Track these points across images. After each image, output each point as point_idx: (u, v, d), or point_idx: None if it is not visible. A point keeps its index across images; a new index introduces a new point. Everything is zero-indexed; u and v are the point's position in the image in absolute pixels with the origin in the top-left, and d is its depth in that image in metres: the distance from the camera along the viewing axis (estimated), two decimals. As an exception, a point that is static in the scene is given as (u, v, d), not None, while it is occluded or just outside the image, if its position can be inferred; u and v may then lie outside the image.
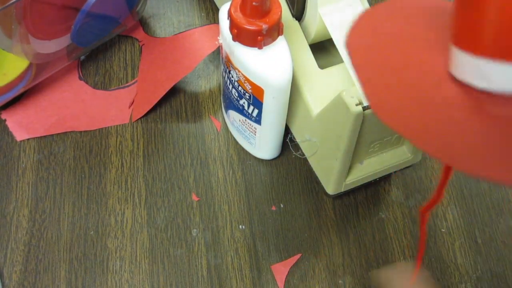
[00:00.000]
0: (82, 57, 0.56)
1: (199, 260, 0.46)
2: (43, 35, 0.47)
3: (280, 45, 0.41)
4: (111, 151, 0.51)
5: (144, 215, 0.48)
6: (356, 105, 0.39)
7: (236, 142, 0.51)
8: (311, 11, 0.45)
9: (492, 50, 0.24)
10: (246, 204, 0.49)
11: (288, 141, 0.51)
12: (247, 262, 0.46)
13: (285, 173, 0.50)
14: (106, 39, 0.55)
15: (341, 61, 0.46)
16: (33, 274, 0.45)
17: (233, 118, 0.49)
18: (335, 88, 0.45)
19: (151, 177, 0.49)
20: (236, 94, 0.45)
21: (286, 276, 0.46)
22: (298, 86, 0.46)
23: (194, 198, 0.49)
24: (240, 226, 0.48)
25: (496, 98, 0.26)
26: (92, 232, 0.47)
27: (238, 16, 0.39)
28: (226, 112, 0.50)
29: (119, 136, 0.51)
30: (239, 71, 0.43)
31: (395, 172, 0.49)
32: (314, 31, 0.46)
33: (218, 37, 0.44)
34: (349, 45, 0.30)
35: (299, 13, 0.47)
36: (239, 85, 0.44)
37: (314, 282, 0.46)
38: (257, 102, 0.44)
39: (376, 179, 0.49)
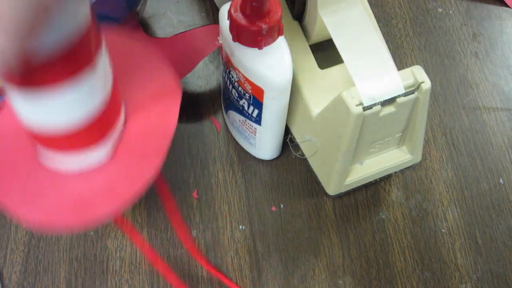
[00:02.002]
0: (82, 58, 0.56)
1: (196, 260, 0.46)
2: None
3: (280, 45, 0.41)
4: (111, 151, 0.51)
5: (144, 215, 0.48)
6: (357, 105, 0.39)
7: (236, 143, 0.51)
8: (311, 12, 0.45)
9: None
10: (246, 205, 0.49)
11: (288, 142, 0.51)
12: (247, 263, 0.46)
13: (285, 173, 0.50)
14: (106, 39, 0.55)
15: (341, 61, 0.46)
16: (33, 274, 0.45)
17: (233, 119, 0.49)
18: (335, 89, 0.45)
19: (151, 178, 0.49)
20: (236, 95, 0.45)
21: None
22: (298, 87, 0.46)
23: (195, 196, 0.49)
24: (240, 227, 0.48)
25: None
26: (92, 233, 0.47)
27: (238, 17, 0.39)
28: (226, 112, 0.50)
29: (119, 137, 0.51)
30: (239, 72, 0.43)
31: (395, 172, 0.49)
32: (314, 32, 0.46)
33: (218, 38, 0.44)
34: None
35: (299, 14, 0.47)
36: (239, 86, 0.44)
37: (314, 283, 0.46)
38: (257, 103, 0.44)
39: (376, 180, 0.49)
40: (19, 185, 0.35)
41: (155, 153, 0.34)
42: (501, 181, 0.51)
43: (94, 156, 0.34)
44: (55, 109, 0.31)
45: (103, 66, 0.32)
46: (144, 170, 0.34)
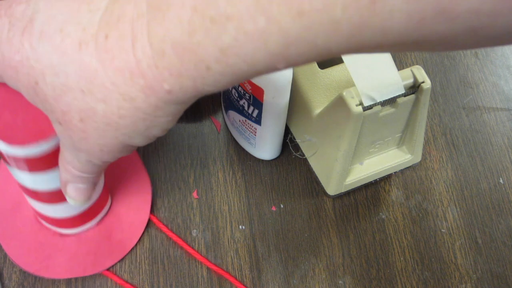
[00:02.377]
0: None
1: (199, 261, 0.46)
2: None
3: (280, 45, 0.41)
4: (111, 151, 0.51)
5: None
6: (357, 105, 0.39)
7: (236, 143, 0.51)
8: (311, 12, 0.45)
9: None
10: (246, 205, 0.49)
11: (288, 142, 0.51)
12: (247, 263, 0.46)
13: (285, 173, 0.50)
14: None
15: (341, 61, 0.46)
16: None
17: (233, 119, 0.49)
18: (336, 88, 0.45)
19: (151, 178, 0.49)
20: (236, 95, 0.45)
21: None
22: (298, 86, 0.46)
23: (195, 195, 0.49)
24: (240, 227, 0.48)
25: None
26: (92, 233, 0.47)
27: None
28: (226, 112, 0.50)
29: (119, 137, 0.51)
30: (239, 71, 0.43)
31: (395, 172, 0.49)
32: (314, 32, 0.46)
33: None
34: None
35: (299, 14, 0.47)
36: (239, 85, 0.44)
37: (314, 283, 0.46)
38: (257, 103, 0.44)
39: (376, 180, 0.49)
40: (27, 245, 0.44)
41: (129, 237, 0.46)
42: (501, 181, 0.51)
43: (85, 226, 0.45)
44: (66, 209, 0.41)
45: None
46: (122, 243, 0.45)
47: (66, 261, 0.44)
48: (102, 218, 0.46)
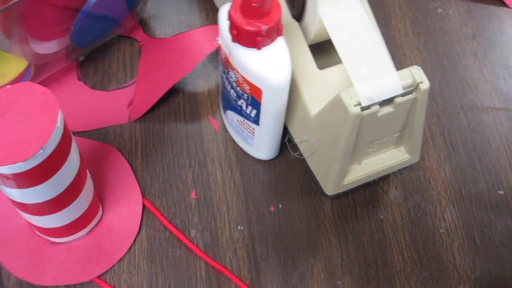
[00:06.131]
0: (81, 58, 0.56)
1: (198, 261, 0.46)
2: (43, 35, 0.47)
3: (279, 45, 0.41)
4: (110, 151, 0.51)
5: (142, 216, 0.48)
6: (355, 105, 0.39)
7: (234, 143, 0.51)
8: (311, 12, 0.45)
9: None
10: (244, 205, 0.49)
11: (286, 142, 0.51)
12: (246, 263, 0.46)
13: (284, 173, 0.50)
14: (106, 39, 0.55)
15: (340, 62, 0.46)
16: (32, 274, 0.45)
17: (231, 119, 0.49)
18: (334, 89, 0.46)
19: (149, 178, 0.50)
20: (235, 95, 0.45)
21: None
22: (297, 87, 0.46)
23: (193, 196, 0.49)
24: (239, 227, 0.48)
25: None
26: (90, 232, 0.47)
27: (238, 17, 0.39)
28: (225, 112, 0.50)
29: (117, 137, 0.51)
30: (237, 72, 0.43)
31: (393, 172, 0.49)
32: (313, 32, 0.46)
33: (217, 38, 0.44)
34: None
35: (298, 14, 0.47)
36: (237, 86, 0.44)
37: (312, 283, 0.46)
38: (255, 103, 0.44)
39: (374, 180, 0.49)
40: (19, 251, 0.45)
41: (118, 248, 0.46)
42: (499, 181, 0.51)
43: (75, 235, 0.46)
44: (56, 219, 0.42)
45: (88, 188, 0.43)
46: (112, 252, 0.46)
47: (54, 268, 0.44)
48: (93, 228, 0.46)
